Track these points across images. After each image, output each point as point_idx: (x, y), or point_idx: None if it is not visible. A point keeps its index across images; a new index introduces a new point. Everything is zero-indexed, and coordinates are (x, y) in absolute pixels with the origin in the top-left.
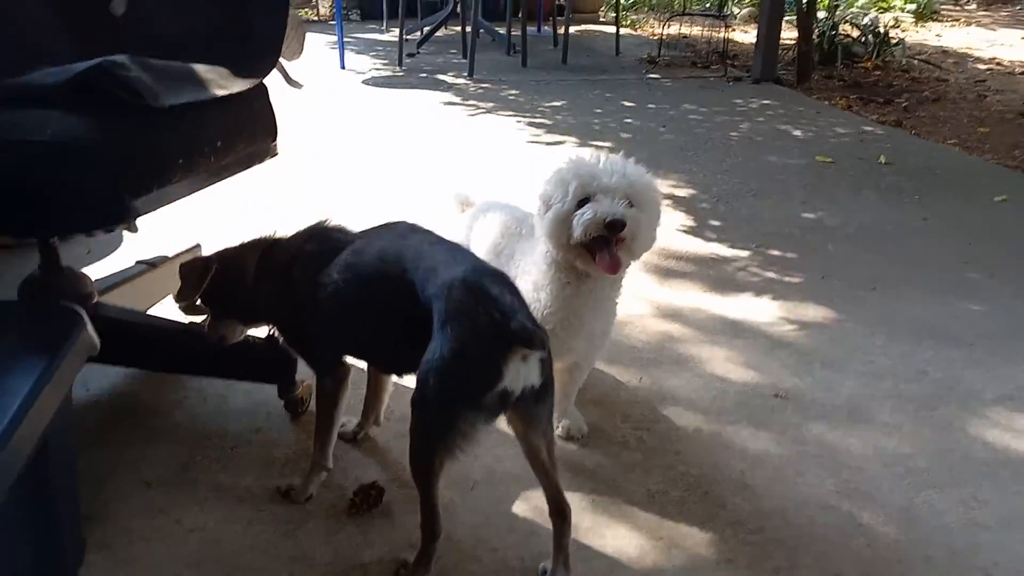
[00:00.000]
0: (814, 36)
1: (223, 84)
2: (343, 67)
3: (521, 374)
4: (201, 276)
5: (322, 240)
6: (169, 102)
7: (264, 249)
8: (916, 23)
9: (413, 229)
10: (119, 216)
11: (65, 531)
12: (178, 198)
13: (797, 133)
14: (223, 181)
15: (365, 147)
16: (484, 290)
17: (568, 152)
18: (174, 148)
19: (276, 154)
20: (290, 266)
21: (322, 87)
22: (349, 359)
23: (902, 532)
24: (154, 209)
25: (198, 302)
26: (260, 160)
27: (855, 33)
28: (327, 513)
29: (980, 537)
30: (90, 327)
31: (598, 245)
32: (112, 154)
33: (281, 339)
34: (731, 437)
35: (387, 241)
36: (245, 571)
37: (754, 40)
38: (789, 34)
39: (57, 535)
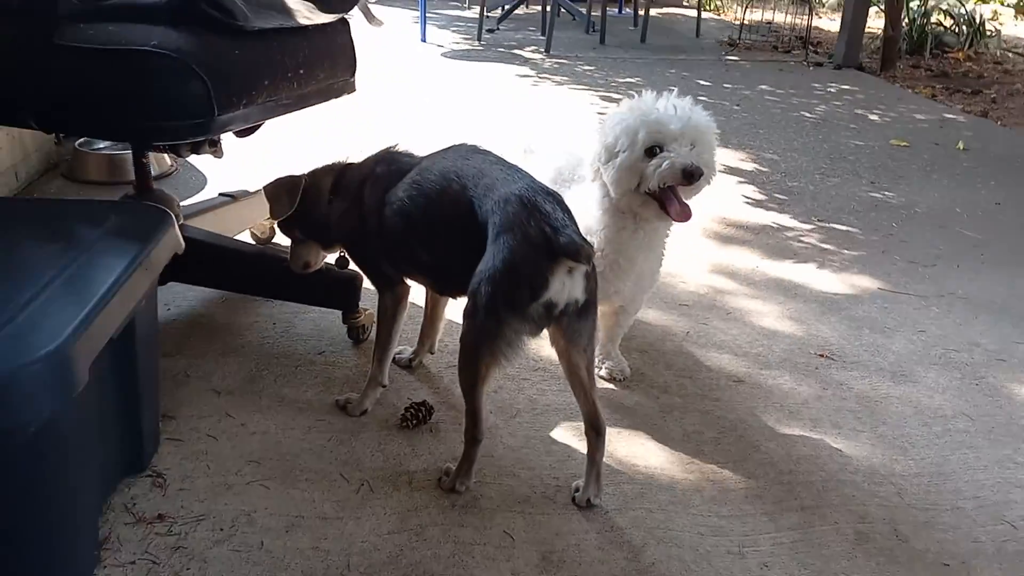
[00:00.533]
0: (904, 24)
1: (308, 15)
2: (424, 40)
3: (566, 287)
4: (293, 191)
5: (391, 162)
6: (258, 25)
7: (339, 171)
8: (1016, 16)
9: (475, 150)
10: (208, 126)
11: (146, 414)
12: (261, 120)
13: (874, 117)
14: (304, 123)
15: (439, 109)
16: (537, 205)
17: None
18: (261, 68)
19: (354, 90)
20: (361, 186)
21: (402, 57)
22: (409, 283)
23: (933, 484)
24: (240, 127)
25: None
26: (338, 94)
27: (948, 22)
28: (379, 426)
29: (1012, 494)
30: (177, 227)
31: (666, 193)
32: (206, 66)
33: (349, 259)
34: (771, 389)
35: (450, 161)
36: (301, 470)
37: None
38: (879, 23)
39: (139, 416)
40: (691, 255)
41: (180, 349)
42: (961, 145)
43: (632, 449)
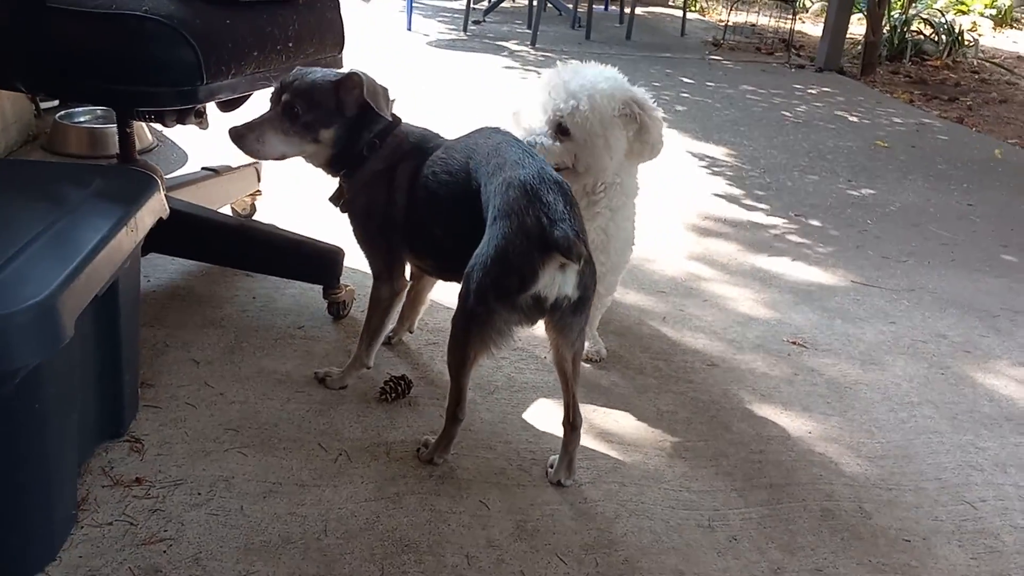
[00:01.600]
0: (884, 30)
1: None
2: (409, 29)
3: (556, 282)
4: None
5: (425, 141)
6: None
7: (394, 123)
8: (995, 28)
9: (496, 131)
10: (196, 94)
11: (126, 379)
12: (249, 91)
13: (853, 119)
14: None
15: (425, 96)
16: (539, 194)
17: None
18: (250, 39)
19: (341, 67)
20: (397, 161)
21: (388, 45)
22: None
23: (897, 465)
24: (227, 97)
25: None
26: None
27: (928, 31)
28: (358, 399)
29: (973, 476)
30: (163, 191)
31: None
32: (197, 33)
33: (356, 234)
34: (744, 373)
35: (472, 140)
36: (280, 439)
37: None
38: (860, 29)
39: (119, 380)
40: (670, 243)
41: (159, 320)
42: (999, 152)
43: (607, 426)
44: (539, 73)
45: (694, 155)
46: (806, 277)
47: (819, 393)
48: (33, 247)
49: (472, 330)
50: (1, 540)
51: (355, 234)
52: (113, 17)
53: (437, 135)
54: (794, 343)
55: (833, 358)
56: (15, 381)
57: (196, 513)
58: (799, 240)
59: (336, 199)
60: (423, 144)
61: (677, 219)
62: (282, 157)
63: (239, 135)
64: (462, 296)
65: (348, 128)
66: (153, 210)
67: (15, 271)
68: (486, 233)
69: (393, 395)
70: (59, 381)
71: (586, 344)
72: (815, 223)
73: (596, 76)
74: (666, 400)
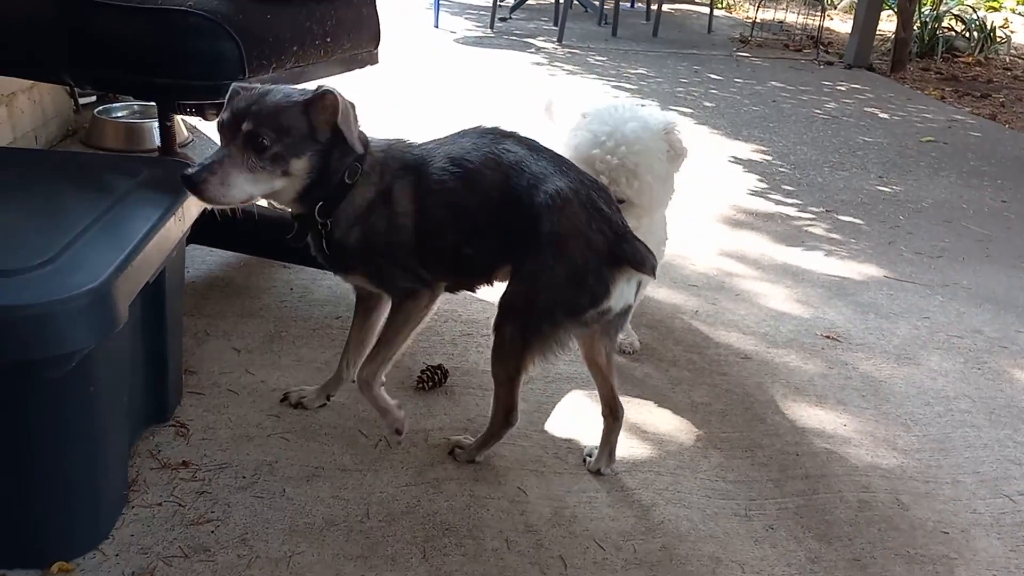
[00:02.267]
0: (915, 26)
1: None
2: (436, 26)
3: (624, 294)
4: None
5: (400, 154)
6: None
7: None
8: None
9: (498, 133)
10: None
11: (171, 365)
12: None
13: (884, 116)
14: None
15: (453, 92)
16: (594, 204)
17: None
18: (289, 34)
19: (377, 62)
20: (388, 187)
21: (415, 42)
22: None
23: (934, 459)
24: None
25: None
26: (361, 65)
27: (959, 27)
28: (396, 387)
29: (1011, 470)
30: None
31: None
32: (239, 28)
33: (358, 271)
34: (778, 366)
35: (484, 146)
36: (320, 425)
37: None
38: (890, 25)
39: (165, 366)
40: (702, 239)
41: (200, 309)
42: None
43: (641, 417)
44: (566, 69)
45: (724, 152)
46: (839, 272)
47: (854, 387)
48: (87, 235)
49: (533, 344)
50: (55, 518)
51: (356, 271)
52: (158, 12)
53: (409, 143)
54: (828, 337)
55: (867, 352)
56: (71, 365)
57: (241, 496)
58: (831, 236)
59: (300, 237)
60: (408, 158)
61: (709, 215)
62: (248, 200)
63: (198, 181)
64: (520, 311)
65: (322, 155)
66: (198, 201)
67: (70, 258)
68: (545, 250)
69: (430, 384)
70: (112, 365)
71: (619, 336)
72: (847, 219)
73: (636, 133)
74: (700, 392)
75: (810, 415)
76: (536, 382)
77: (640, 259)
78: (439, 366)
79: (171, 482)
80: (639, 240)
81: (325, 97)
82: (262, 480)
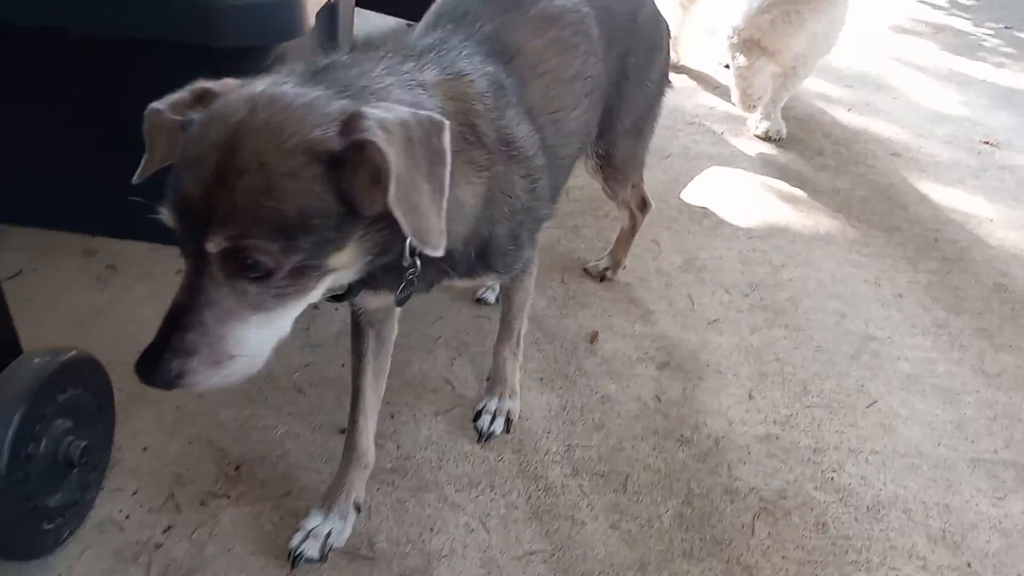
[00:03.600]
0: None
1: None
2: None
3: None
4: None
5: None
6: None
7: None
8: None
9: None
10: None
11: None
12: None
13: None
14: None
15: None
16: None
17: None
18: None
19: None
20: (486, 135)
21: None
22: None
23: None
24: None
25: None
26: None
27: None
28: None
29: None
30: None
31: None
32: None
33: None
34: (928, 163)
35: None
36: None
37: None
38: None
39: None
40: (867, 40)
41: None
42: None
43: (779, 190)
44: None
45: None
46: (1008, 83)
47: (1007, 188)
48: None
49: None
50: None
51: (481, 273)
52: None
53: (438, 53)
54: (986, 143)
55: None
56: (269, 62)
57: None
58: (1005, 49)
59: (403, 297)
60: (481, 85)
61: (880, 17)
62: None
63: (172, 380)
64: (628, 131)
65: (379, 227)
66: None
67: None
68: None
69: None
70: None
71: (766, 123)
72: (1021, 35)
73: None
74: (843, 180)
75: (955, 209)
76: (676, 158)
77: None
78: None
79: None
80: None
81: (366, 149)
82: None
